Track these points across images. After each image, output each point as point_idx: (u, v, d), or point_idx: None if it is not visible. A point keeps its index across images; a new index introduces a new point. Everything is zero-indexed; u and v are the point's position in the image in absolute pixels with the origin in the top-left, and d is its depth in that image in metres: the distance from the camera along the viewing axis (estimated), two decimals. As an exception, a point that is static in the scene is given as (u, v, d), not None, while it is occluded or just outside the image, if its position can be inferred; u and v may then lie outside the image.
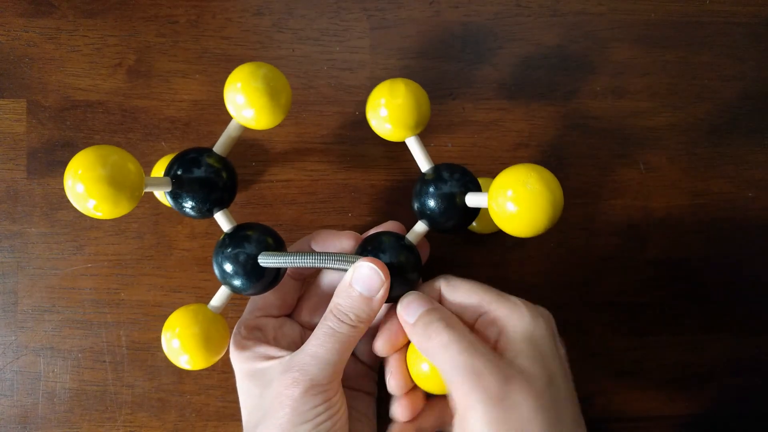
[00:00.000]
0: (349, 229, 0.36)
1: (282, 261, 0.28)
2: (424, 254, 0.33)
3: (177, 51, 0.36)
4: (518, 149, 0.37)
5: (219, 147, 0.30)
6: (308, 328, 0.33)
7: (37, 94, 0.36)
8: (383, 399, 0.34)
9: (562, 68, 0.37)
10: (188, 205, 0.29)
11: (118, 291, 0.36)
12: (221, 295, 0.31)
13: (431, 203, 0.30)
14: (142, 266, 0.36)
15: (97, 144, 0.36)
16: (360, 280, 0.28)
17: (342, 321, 0.28)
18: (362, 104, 0.36)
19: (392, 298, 0.30)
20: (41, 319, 0.35)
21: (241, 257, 0.29)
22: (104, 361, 0.36)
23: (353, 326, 0.28)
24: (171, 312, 0.30)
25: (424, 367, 0.30)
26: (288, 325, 0.33)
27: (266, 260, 0.29)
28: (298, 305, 0.34)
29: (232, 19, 0.36)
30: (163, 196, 0.32)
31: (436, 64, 0.37)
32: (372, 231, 0.32)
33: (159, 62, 0.36)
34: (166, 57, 0.36)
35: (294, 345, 0.32)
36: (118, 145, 0.36)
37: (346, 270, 0.29)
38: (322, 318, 0.29)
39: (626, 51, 0.37)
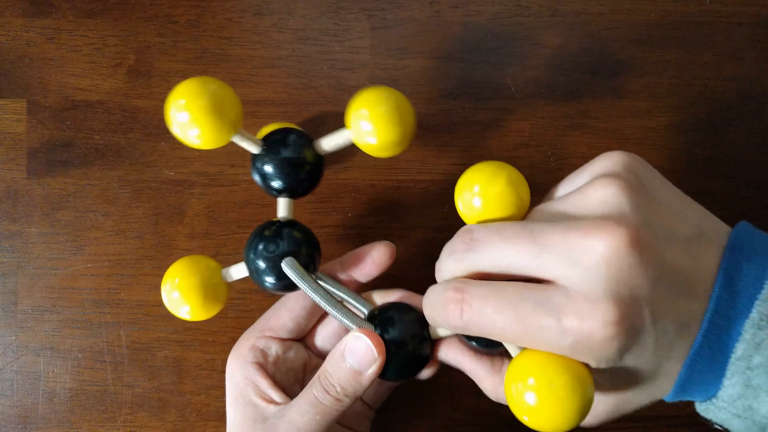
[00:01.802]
0: (349, 229, 0.36)
1: (298, 279, 0.27)
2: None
3: (177, 51, 0.36)
4: (518, 149, 0.37)
5: (320, 145, 0.29)
6: (318, 356, 0.32)
7: (37, 94, 0.36)
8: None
9: (562, 68, 0.37)
10: (261, 174, 0.28)
11: (118, 291, 0.36)
12: (239, 272, 0.30)
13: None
14: (142, 266, 0.36)
15: (97, 144, 0.36)
16: (352, 352, 0.27)
17: (327, 392, 0.27)
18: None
19: (393, 378, 0.28)
20: (41, 319, 0.35)
21: (272, 248, 0.28)
22: (104, 361, 0.36)
23: (338, 399, 0.27)
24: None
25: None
26: (294, 351, 0.31)
27: (288, 268, 0.28)
28: (312, 328, 0.32)
29: (232, 19, 0.36)
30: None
31: (436, 64, 0.37)
32: (403, 297, 0.30)
33: (159, 62, 0.36)
34: (166, 57, 0.36)
35: (293, 375, 0.31)
36: (118, 145, 0.36)
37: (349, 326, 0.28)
38: (310, 382, 0.28)
39: (626, 51, 0.37)
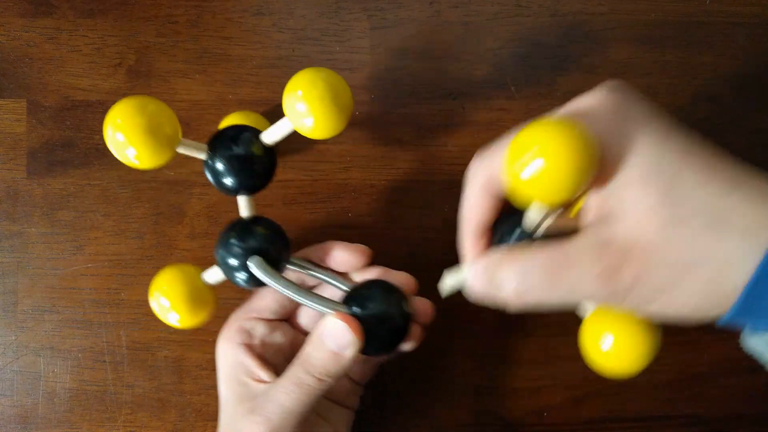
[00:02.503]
0: (349, 229, 0.36)
1: (266, 278, 0.28)
2: (425, 316, 0.32)
3: (177, 51, 0.36)
4: (518, 149, 0.37)
5: (266, 136, 0.29)
6: (304, 334, 0.33)
7: (37, 94, 0.36)
8: (362, 412, 0.34)
9: (562, 68, 0.37)
10: (215, 177, 0.28)
11: (118, 291, 0.36)
12: (215, 274, 0.30)
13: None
14: (142, 266, 0.36)
15: (97, 144, 0.36)
16: (330, 336, 0.27)
17: (309, 373, 0.28)
18: (362, 104, 0.36)
19: (369, 352, 0.29)
20: (41, 319, 0.35)
21: (238, 249, 0.29)
22: (104, 361, 0.36)
23: (320, 380, 0.28)
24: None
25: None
26: (280, 331, 0.32)
27: (255, 268, 0.28)
28: (297, 308, 0.33)
29: (232, 19, 0.36)
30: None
31: (436, 64, 0.37)
32: (380, 274, 0.31)
33: (159, 62, 0.36)
34: (166, 57, 0.36)
35: (281, 354, 0.32)
36: (118, 145, 0.36)
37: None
38: (293, 362, 0.29)
39: (626, 51, 0.37)
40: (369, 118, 0.36)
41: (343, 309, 0.28)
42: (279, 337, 0.32)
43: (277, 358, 0.32)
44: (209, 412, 0.36)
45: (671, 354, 0.37)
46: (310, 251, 0.33)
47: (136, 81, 0.36)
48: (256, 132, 0.29)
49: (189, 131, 0.36)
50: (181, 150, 0.28)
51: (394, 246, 0.36)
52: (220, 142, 0.28)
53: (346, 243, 0.32)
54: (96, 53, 0.36)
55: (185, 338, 0.36)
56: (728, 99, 0.38)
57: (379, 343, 0.29)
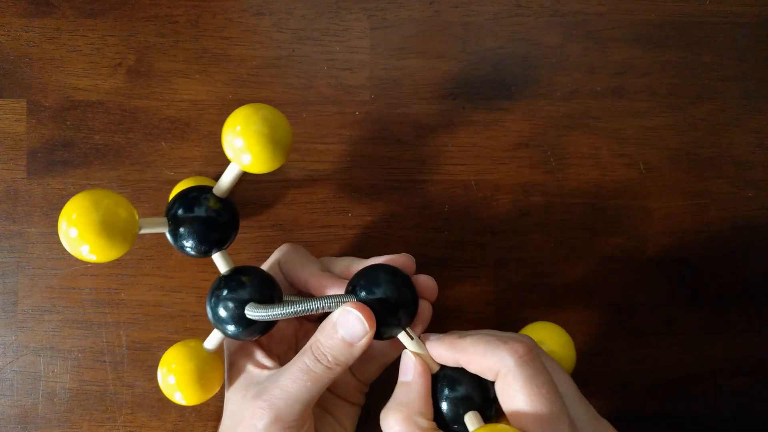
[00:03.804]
0: (349, 229, 0.36)
1: (269, 314, 0.28)
2: (431, 292, 0.31)
3: (177, 51, 0.36)
4: (518, 149, 0.37)
5: (218, 188, 0.29)
6: (309, 322, 0.33)
7: (37, 94, 0.36)
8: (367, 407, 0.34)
9: (562, 68, 0.37)
10: (186, 244, 0.28)
11: (118, 291, 0.36)
12: (215, 337, 0.31)
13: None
14: (142, 266, 0.36)
15: (97, 144, 0.36)
16: (344, 325, 0.27)
17: (318, 360, 0.28)
18: (362, 104, 0.36)
19: (381, 336, 0.29)
20: (41, 319, 0.35)
21: (232, 304, 0.28)
22: (104, 361, 0.36)
23: (329, 368, 0.28)
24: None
25: None
26: (284, 320, 0.32)
27: (253, 313, 0.28)
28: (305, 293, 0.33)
29: (232, 19, 0.36)
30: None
31: (436, 64, 0.37)
32: (381, 260, 0.31)
33: (159, 62, 0.36)
34: (166, 57, 0.36)
35: (286, 342, 0.32)
36: (118, 145, 0.36)
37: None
38: (301, 351, 0.29)
39: (626, 51, 0.37)
40: (369, 118, 0.36)
41: (350, 299, 0.28)
42: (283, 326, 0.32)
43: (282, 347, 0.32)
44: (209, 412, 0.36)
45: (671, 354, 0.37)
46: (336, 263, 0.32)
47: (136, 81, 0.36)
48: (207, 188, 0.29)
49: (189, 131, 0.36)
50: (143, 231, 0.27)
51: (394, 246, 0.36)
52: (179, 210, 0.28)
53: (355, 260, 0.32)
54: (96, 53, 0.36)
55: (185, 338, 0.35)
56: (728, 99, 0.38)
57: (390, 326, 0.28)
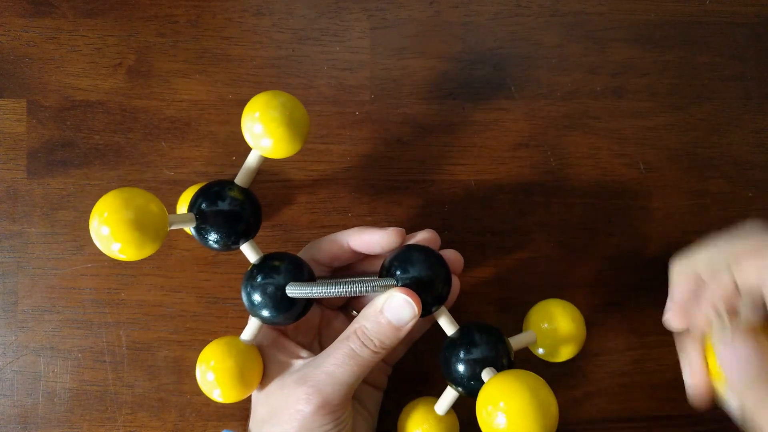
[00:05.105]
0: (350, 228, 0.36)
1: (311, 291, 0.28)
2: (458, 265, 0.33)
3: (177, 51, 0.36)
4: (518, 149, 0.37)
5: (240, 178, 0.30)
6: (330, 308, 0.34)
7: (37, 94, 0.36)
8: (389, 391, 0.34)
9: (562, 68, 0.37)
10: (213, 238, 0.29)
11: (118, 291, 0.36)
12: (252, 326, 0.31)
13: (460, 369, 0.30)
14: (142, 266, 0.36)
15: (97, 144, 0.36)
16: (392, 309, 0.28)
17: (365, 345, 0.28)
18: (362, 104, 0.36)
19: (424, 314, 0.29)
20: (41, 319, 0.35)
21: (269, 288, 0.29)
22: (104, 361, 0.36)
23: (375, 352, 0.28)
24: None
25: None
26: (310, 310, 0.32)
27: (294, 291, 0.28)
28: None
29: (232, 19, 0.36)
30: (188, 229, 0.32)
31: (436, 64, 0.37)
32: (407, 239, 0.31)
33: (159, 62, 0.36)
34: (166, 57, 0.36)
35: (311, 332, 0.33)
36: (118, 145, 0.36)
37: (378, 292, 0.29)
38: (344, 336, 0.29)
39: (626, 51, 0.37)
40: (369, 118, 0.36)
41: (390, 282, 0.29)
42: (310, 316, 0.32)
43: (307, 338, 0.33)
44: (209, 412, 0.36)
45: (671, 354, 0.37)
46: (331, 242, 0.32)
47: (136, 81, 0.36)
48: (230, 182, 0.29)
49: (189, 131, 0.36)
50: (171, 227, 0.27)
51: (394, 246, 0.36)
52: (205, 205, 0.28)
53: (373, 229, 0.32)
54: (96, 53, 0.36)
55: (185, 338, 0.36)
56: (728, 99, 0.38)
57: (429, 304, 0.29)
